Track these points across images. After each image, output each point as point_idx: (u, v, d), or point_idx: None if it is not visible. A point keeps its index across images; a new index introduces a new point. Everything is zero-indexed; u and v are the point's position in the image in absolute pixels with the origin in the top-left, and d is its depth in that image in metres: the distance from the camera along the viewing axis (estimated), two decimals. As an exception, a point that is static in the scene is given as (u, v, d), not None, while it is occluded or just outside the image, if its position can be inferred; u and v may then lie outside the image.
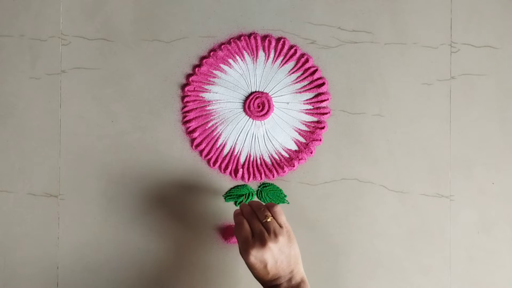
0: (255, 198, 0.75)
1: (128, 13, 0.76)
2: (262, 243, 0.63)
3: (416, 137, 0.75)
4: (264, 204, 0.67)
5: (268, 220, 0.64)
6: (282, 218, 0.66)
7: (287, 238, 0.64)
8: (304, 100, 0.75)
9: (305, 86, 0.75)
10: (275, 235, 0.63)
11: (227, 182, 0.75)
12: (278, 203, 0.75)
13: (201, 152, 0.75)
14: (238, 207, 0.74)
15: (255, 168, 0.75)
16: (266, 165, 0.75)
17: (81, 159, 0.75)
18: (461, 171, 0.75)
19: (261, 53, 0.75)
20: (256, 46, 0.75)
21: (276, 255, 0.63)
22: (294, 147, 0.75)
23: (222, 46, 0.75)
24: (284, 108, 0.75)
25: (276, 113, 0.75)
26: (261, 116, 0.75)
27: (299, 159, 0.75)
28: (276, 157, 0.75)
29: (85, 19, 0.76)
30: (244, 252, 0.63)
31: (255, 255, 0.62)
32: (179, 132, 0.76)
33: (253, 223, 0.65)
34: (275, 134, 0.75)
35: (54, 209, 0.75)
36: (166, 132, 0.75)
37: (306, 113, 0.75)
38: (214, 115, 0.76)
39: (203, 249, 0.75)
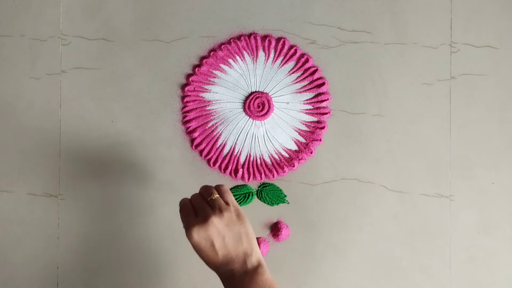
0: (255, 198, 0.75)
1: (128, 13, 0.76)
2: (205, 218, 0.58)
3: (416, 137, 0.75)
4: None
5: (213, 197, 0.60)
6: (230, 197, 0.62)
7: (236, 216, 0.60)
8: (304, 100, 0.75)
9: (305, 86, 0.75)
10: (220, 211, 0.59)
11: (227, 182, 0.75)
12: (278, 203, 0.75)
13: (201, 152, 0.75)
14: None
15: (255, 168, 0.75)
16: (266, 165, 0.75)
17: (81, 159, 0.75)
18: (461, 171, 0.75)
19: (261, 53, 0.75)
20: (256, 46, 0.75)
21: (222, 231, 0.58)
22: (294, 147, 0.75)
23: (222, 46, 0.75)
24: (284, 108, 0.75)
25: (276, 113, 0.75)
26: (261, 116, 0.75)
27: (299, 159, 0.75)
28: (276, 157, 0.75)
29: (85, 19, 0.76)
30: (187, 231, 0.58)
31: (198, 231, 0.58)
32: (179, 132, 0.76)
33: (197, 202, 0.61)
34: (275, 134, 0.75)
35: (54, 209, 0.75)
36: (166, 132, 0.75)
37: (306, 113, 0.75)
38: (214, 115, 0.76)
39: (203, 249, 0.74)
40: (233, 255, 0.59)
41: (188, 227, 0.59)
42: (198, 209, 0.60)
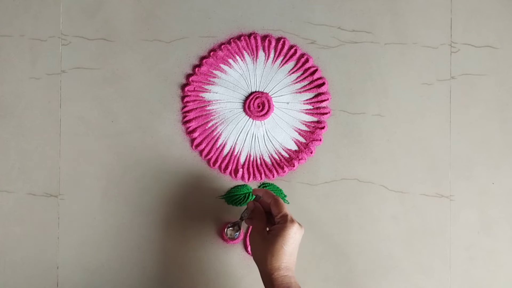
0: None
1: (128, 13, 0.76)
2: (301, 225, 0.65)
3: (416, 137, 0.75)
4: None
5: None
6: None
7: None
8: (304, 100, 0.75)
9: (305, 86, 0.75)
10: (300, 226, 0.65)
11: (227, 182, 0.75)
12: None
13: (201, 152, 0.75)
14: (237, 206, 0.75)
15: (255, 168, 0.75)
16: (266, 165, 0.75)
17: (81, 159, 0.75)
18: (461, 171, 0.75)
19: (261, 53, 0.75)
20: (256, 46, 0.75)
21: (298, 245, 0.64)
22: (294, 147, 0.75)
23: (222, 46, 0.75)
24: (284, 108, 0.75)
25: (276, 113, 0.75)
26: (261, 116, 0.75)
27: (299, 159, 0.75)
28: (276, 157, 0.75)
29: (85, 19, 0.76)
30: (290, 220, 0.63)
31: (298, 229, 0.64)
32: (179, 132, 0.76)
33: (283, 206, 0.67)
34: (275, 134, 0.75)
35: (54, 209, 0.75)
36: (166, 132, 0.75)
37: (306, 113, 0.75)
38: (214, 115, 0.76)
39: (203, 249, 0.75)
40: (292, 265, 0.64)
41: (291, 219, 0.64)
42: (286, 214, 0.65)
